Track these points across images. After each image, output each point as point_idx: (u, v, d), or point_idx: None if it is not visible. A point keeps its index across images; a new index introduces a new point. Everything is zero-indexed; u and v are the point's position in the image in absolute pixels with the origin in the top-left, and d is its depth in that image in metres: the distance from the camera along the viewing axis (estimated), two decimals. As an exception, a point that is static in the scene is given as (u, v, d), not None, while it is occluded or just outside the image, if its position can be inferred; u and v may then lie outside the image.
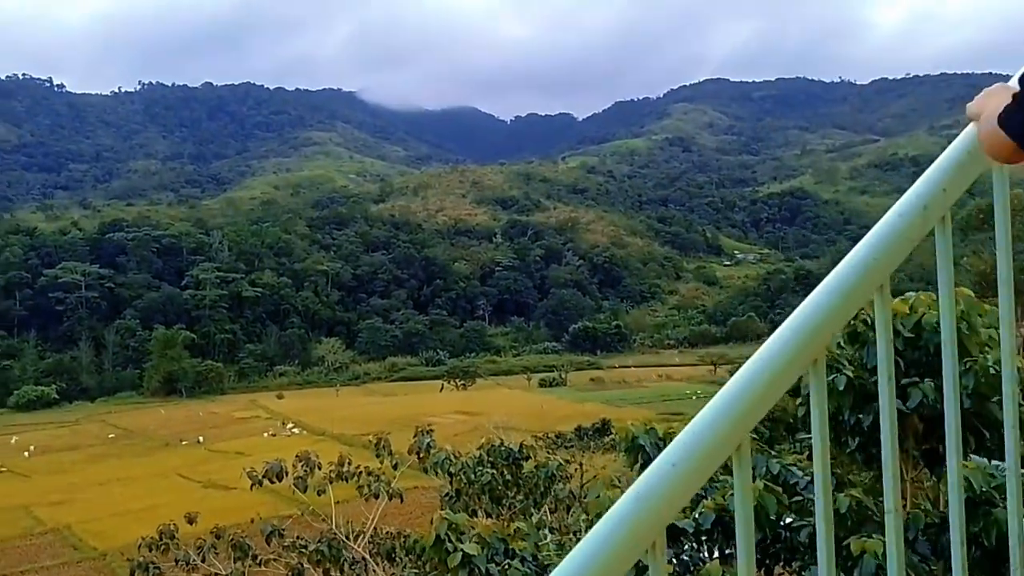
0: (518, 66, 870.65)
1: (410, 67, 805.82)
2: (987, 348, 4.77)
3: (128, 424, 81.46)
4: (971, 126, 1.65)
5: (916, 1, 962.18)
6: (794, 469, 5.43)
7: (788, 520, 5.19)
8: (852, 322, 4.93)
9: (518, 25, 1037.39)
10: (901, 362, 4.85)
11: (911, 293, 5.13)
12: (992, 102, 1.66)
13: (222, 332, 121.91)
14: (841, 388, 4.77)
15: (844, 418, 4.95)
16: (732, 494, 5.05)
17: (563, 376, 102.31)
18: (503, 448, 10.18)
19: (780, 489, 5.07)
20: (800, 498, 5.21)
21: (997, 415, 4.68)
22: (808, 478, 5.42)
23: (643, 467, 6.18)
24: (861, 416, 4.90)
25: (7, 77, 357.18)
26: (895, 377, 4.81)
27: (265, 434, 67.68)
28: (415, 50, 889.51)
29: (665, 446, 5.90)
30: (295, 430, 68.65)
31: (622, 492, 5.62)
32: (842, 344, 5.18)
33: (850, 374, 4.83)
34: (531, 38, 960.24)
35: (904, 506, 5.05)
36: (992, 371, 4.55)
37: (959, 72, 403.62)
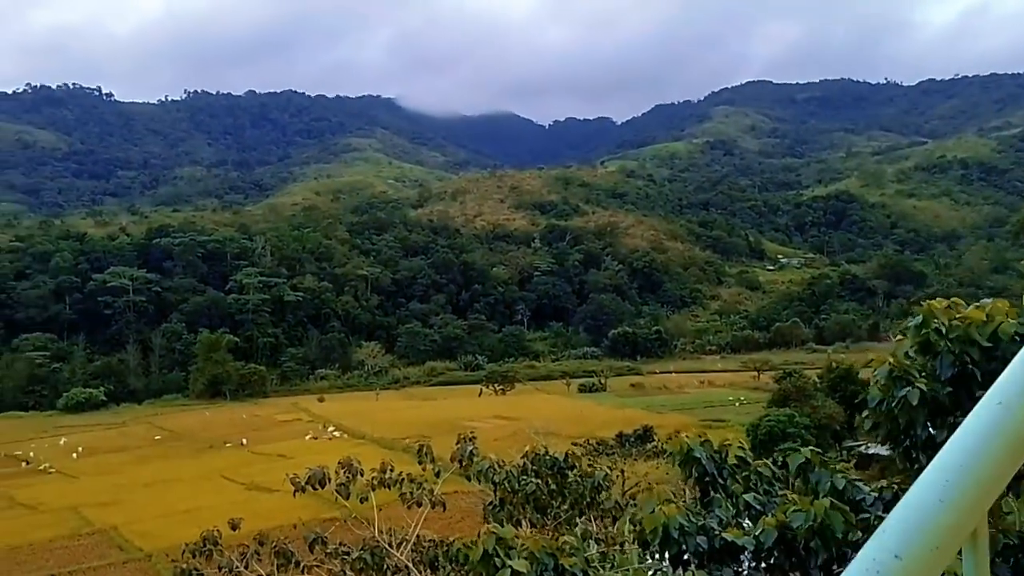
0: (556, 71, 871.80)
1: (449, 73, 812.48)
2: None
3: (174, 426, 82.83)
4: None
5: (966, 1, 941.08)
6: (860, 485, 5.15)
7: (855, 538, 4.92)
8: (924, 331, 4.66)
9: (556, 30, 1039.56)
10: (977, 373, 4.56)
11: (986, 300, 4.84)
12: None
13: (265, 336, 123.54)
14: (915, 403, 4.50)
15: (916, 432, 4.68)
16: (795, 510, 4.80)
17: (603, 381, 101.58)
18: (548, 457, 9.99)
19: (847, 507, 4.80)
20: (867, 515, 4.93)
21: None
22: (875, 495, 5.15)
23: (698, 480, 5.95)
24: (934, 431, 4.61)
25: (58, 87, 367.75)
26: (970, 390, 4.53)
27: (306, 437, 68.29)
28: (454, 56, 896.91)
29: (721, 459, 5.63)
30: (336, 433, 69.18)
31: (678, 507, 5.39)
32: (911, 354, 4.90)
33: (923, 387, 4.55)
34: (569, 43, 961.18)
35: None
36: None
37: (1009, 72, 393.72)
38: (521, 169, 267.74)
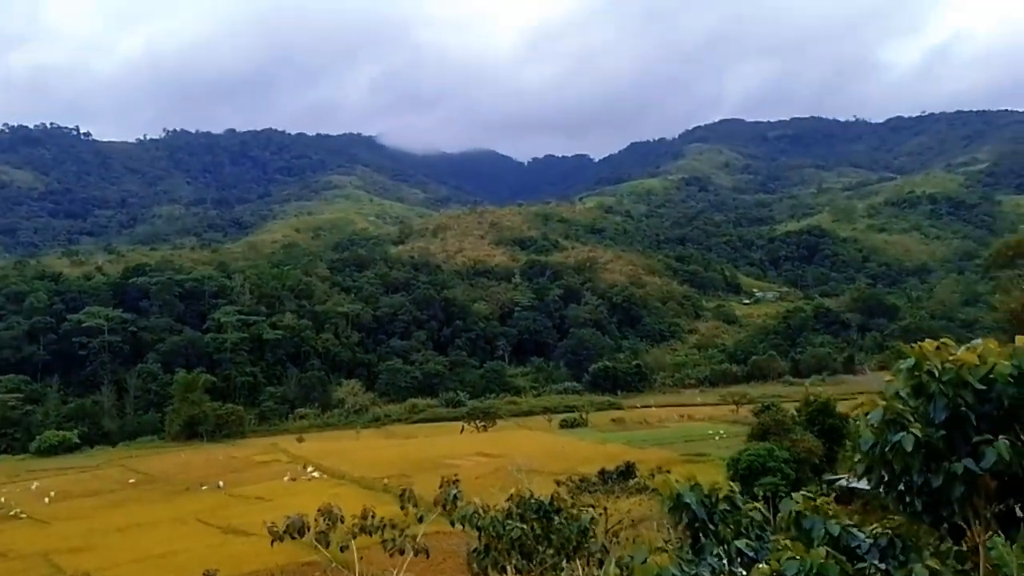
0: (536, 109, 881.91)
1: (431, 111, 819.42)
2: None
3: (149, 469, 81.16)
4: None
5: (931, 41, 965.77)
6: (855, 531, 5.05)
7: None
8: (917, 373, 4.61)
9: (536, 69, 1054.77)
10: (972, 416, 4.52)
11: (977, 341, 4.81)
12: None
13: (243, 375, 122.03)
14: (910, 449, 4.43)
15: (912, 478, 4.60)
16: (789, 558, 4.69)
17: (584, 416, 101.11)
18: (533, 501, 9.80)
19: (843, 556, 4.70)
20: (864, 564, 4.83)
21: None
22: (870, 541, 5.06)
23: (689, 525, 5.82)
24: (930, 476, 4.54)
25: (35, 126, 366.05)
26: (965, 433, 4.48)
27: (285, 478, 67.09)
28: (436, 95, 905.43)
29: (712, 503, 5.52)
30: (315, 474, 68.04)
31: (670, 556, 5.26)
32: (905, 397, 4.84)
33: (918, 432, 4.49)
34: (549, 82, 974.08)
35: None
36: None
37: (974, 110, 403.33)
38: (501, 205, 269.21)
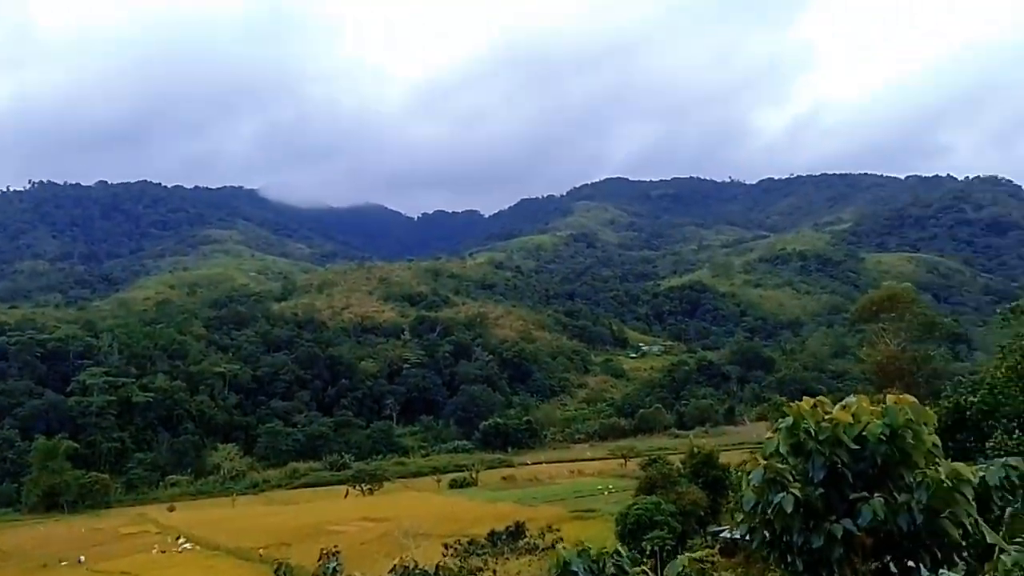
0: (426, 165, 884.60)
1: (317, 165, 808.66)
2: (934, 459, 4.52)
3: (3, 544, 74.44)
4: None
5: (798, 109, 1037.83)
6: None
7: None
8: (796, 432, 4.63)
9: (427, 126, 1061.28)
10: (848, 475, 4.56)
11: (851, 398, 4.90)
12: None
13: (109, 441, 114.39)
14: (790, 510, 4.41)
15: (792, 539, 4.58)
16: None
17: (474, 475, 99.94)
18: (418, 571, 9.39)
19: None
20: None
21: (951, 531, 4.40)
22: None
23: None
24: (811, 536, 4.53)
25: None
26: (842, 492, 4.51)
27: (154, 550, 62.82)
28: (323, 149, 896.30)
29: (599, 569, 5.31)
30: (187, 545, 64.05)
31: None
32: (784, 455, 4.86)
33: (797, 492, 4.49)
34: (439, 138, 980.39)
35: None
36: (947, 484, 4.29)
37: (838, 173, 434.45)
38: (391, 261, 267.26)
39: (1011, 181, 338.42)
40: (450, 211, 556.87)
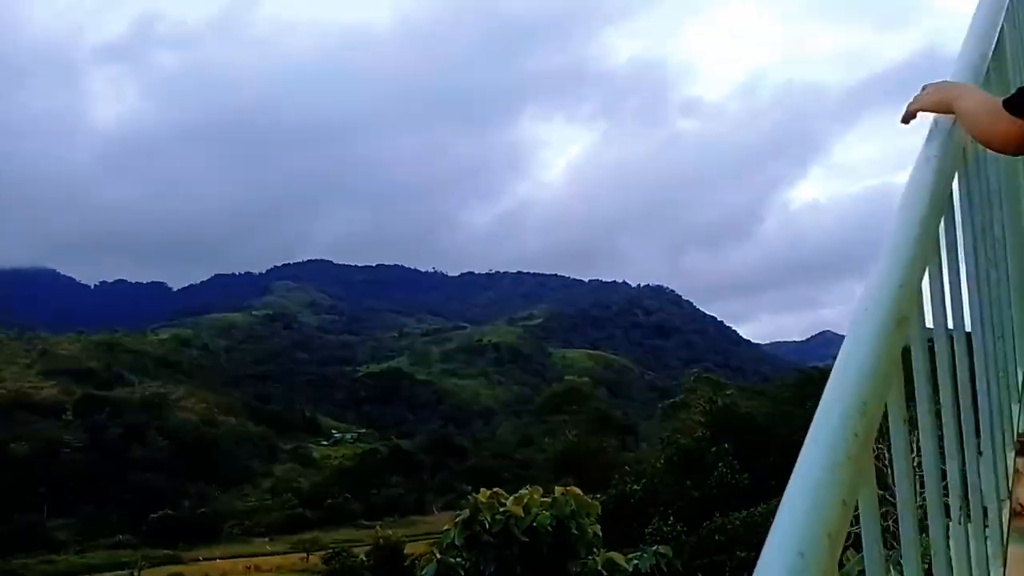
0: (107, 229, 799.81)
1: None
2: (594, 548, 4.82)
3: None
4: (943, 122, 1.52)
5: (506, 206, 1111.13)
6: None
7: None
8: (472, 525, 4.70)
9: (113, 186, 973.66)
10: (519, 567, 4.69)
11: (524, 489, 5.09)
12: (969, 95, 1.54)
13: None
14: (462, 606, 4.42)
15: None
16: None
17: (137, 574, 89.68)
18: None
19: None
20: None
21: (606, 618, 4.67)
22: None
23: None
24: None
25: None
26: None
27: None
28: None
29: None
30: None
31: None
32: (458, 544, 4.90)
33: (470, 587, 4.52)
34: (127, 201, 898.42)
35: None
36: (603, 574, 4.57)
37: (532, 272, 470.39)
38: (59, 332, 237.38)
39: (674, 291, 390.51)
40: (133, 281, 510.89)
